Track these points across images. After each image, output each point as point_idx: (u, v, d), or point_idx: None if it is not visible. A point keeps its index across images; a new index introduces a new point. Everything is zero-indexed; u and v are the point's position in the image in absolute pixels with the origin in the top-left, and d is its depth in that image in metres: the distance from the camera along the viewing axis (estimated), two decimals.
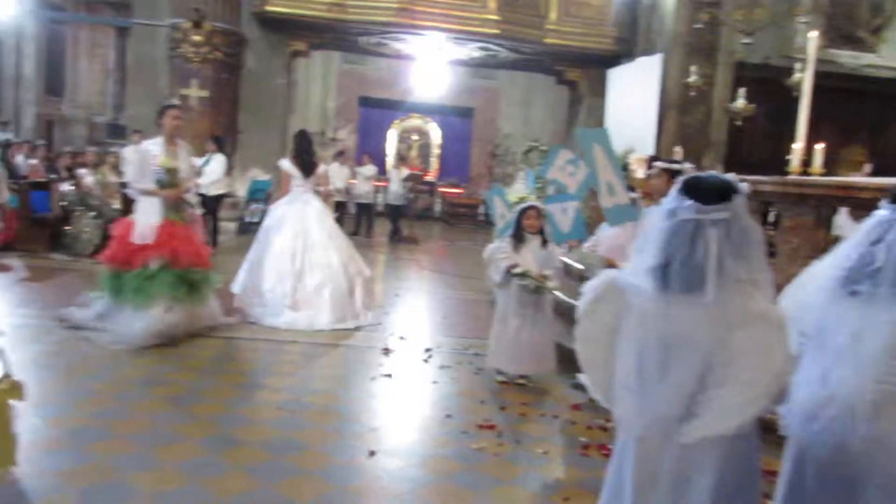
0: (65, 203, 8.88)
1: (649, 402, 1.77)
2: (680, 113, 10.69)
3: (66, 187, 9.19)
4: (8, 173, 9.25)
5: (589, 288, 1.92)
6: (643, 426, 1.79)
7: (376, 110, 21.14)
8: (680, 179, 1.85)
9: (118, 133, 19.67)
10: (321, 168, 6.57)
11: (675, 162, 4.69)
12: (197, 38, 12.27)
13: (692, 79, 10.07)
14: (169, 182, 5.27)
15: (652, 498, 1.79)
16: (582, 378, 1.99)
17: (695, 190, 1.77)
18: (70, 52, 20.51)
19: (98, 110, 21.34)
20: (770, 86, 10.48)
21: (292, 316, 5.86)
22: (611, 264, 4.53)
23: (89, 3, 20.32)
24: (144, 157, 5.32)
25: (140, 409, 3.76)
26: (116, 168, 10.35)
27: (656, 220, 1.84)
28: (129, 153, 10.57)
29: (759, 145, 11.76)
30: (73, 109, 20.68)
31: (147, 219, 5.14)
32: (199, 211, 5.95)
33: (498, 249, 4.78)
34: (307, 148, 6.44)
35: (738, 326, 1.72)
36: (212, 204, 9.52)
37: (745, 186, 1.78)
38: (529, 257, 4.72)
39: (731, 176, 1.83)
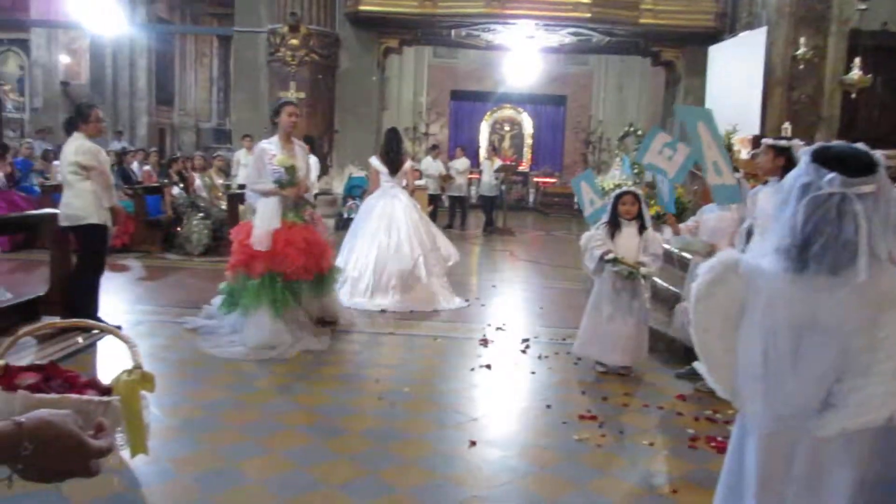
0: (176, 206, 9.39)
1: (780, 394, 1.61)
2: (787, 88, 10.08)
3: (176, 191, 9.71)
4: (123, 179, 9.89)
5: (705, 269, 1.75)
6: (773, 419, 1.63)
7: (467, 103, 21.20)
8: (807, 151, 1.67)
9: (223, 138, 20.69)
10: (407, 164, 6.90)
11: (783, 139, 4.41)
12: (294, 41, 12.66)
13: (800, 51, 9.46)
14: (288, 181, 5.04)
15: (781, 495, 1.64)
16: (698, 367, 1.80)
17: (835, 161, 1.59)
18: (178, 64, 21.70)
19: (204, 117, 22.50)
20: (889, 54, 9.71)
21: (376, 299, 6.24)
22: (714, 249, 4.33)
23: (194, 15, 21.42)
24: (261, 156, 5.12)
25: (247, 400, 3.91)
26: (222, 171, 10.87)
27: (784, 195, 1.67)
28: (242, 156, 11.07)
29: (876, 118, 10.92)
30: (183, 117, 21.89)
31: (265, 223, 4.91)
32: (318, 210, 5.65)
33: (593, 237, 4.67)
34: (395, 146, 6.81)
35: (886, 308, 1.55)
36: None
37: (881, 157, 1.62)
38: (625, 244, 4.58)
39: (861, 146, 1.65)
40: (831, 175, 1.56)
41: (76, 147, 4.95)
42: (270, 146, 5.15)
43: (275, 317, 4.81)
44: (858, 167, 1.57)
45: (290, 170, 5.06)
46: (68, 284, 5.21)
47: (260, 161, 5.11)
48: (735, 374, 1.71)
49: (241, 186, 11.17)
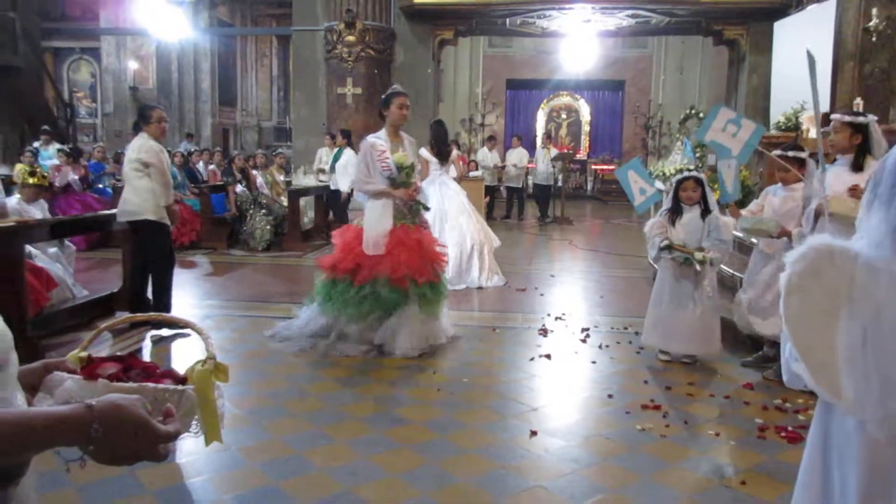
0: (239, 203, 9.63)
1: (889, 389, 1.46)
2: (859, 62, 9.62)
3: (239, 189, 9.97)
4: (190, 179, 10.21)
5: (797, 257, 1.58)
6: (882, 419, 1.47)
7: (523, 92, 21.02)
8: None
9: (284, 136, 21.12)
10: (454, 154, 7.60)
11: (855, 114, 4.20)
12: (350, 38, 12.80)
13: (873, 23, 9.02)
14: (402, 181, 4.63)
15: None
16: (797, 368, 1.61)
17: None
18: (239, 65, 22.24)
19: (265, 116, 23.00)
20: None
21: None
22: (784, 232, 4.17)
23: (254, 17, 21.90)
24: (370, 152, 4.64)
25: (311, 390, 3.99)
26: (282, 168, 11.11)
27: (894, 171, 1.54)
28: (325, 154, 11.22)
29: None
30: (245, 117, 22.44)
31: (377, 226, 4.51)
32: (425, 216, 5.12)
33: (655, 224, 4.58)
34: (442, 138, 7.37)
35: None
36: (343, 200, 9.46)
37: None
38: (687, 230, 4.47)
39: None
40: None
41: (139, 145, 5.14)
42: (379, 141, 4.69)
43: (366, 325, 4.60)
44: None
45: (405, 169, 4.63)
46: (133, 281, 5.36)
47: (369, 158, 4.64)
48: (839, 372, 1.53)
49: (290, 183, 11.43)
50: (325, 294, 4.70)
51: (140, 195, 5.10)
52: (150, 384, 1.03)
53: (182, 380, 1.10)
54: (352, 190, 9.40)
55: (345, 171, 9.30)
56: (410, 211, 4.72)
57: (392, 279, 4.50)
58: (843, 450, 1.58)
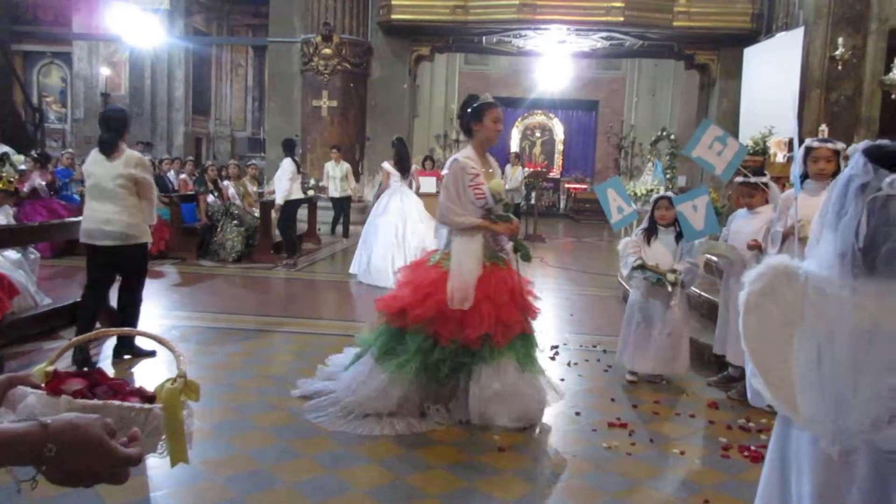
0: (210, 213, 9.53)
1: (843, 406, 1.52)
2: (825, 89, 9.90)
3: (211, 199, 9.86)
4: (160, 188, 10.06)
5: (754, 276, 1.64)
6: (836, 433, 1.53)
7: None
8: (858, 149, 1.59)
9: (257, 146, 21.01)
10: (413, 168, 8.45)
11: (830, 141, 4.31)
12: (327, 50, 12.83)
13: (839, 51, 9.30)
14: (499, 214, 3.76)
15: None
16: (755, 383, 1.67)
17: (891, 161, 1.52)
18: (214, 74, 22.11)
19: (239, 126, 22.87)
20: None
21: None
22: (737, 251, 4.25)
23: (230, 26, 21.83)
24: (460, 176, 3.69)
25: (278, 403, 3.94)
26: (255, 179, 11.03)
27: (838, 198, 1.56)
28: (331, 168, 10.96)
29: None
30: (219, 126, 22.28)
31: (467, 272, 3.61)
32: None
33: (629, 243, 4.64)
34: (404, 154, 8.21)
35: None
36: (287, 211, 8.88)
37: None
38: (661, 250, 4.53)
39: None
40: (894, 176, 1.49)
41: (126, 157, 4.47)
42: (471, 162, 3.74)
43: (419, 387, 3.70)
44: None
45: (503, 200, 3.78)
46: (124, 304, 4.77)
47: (459, 183, 3.70)
48: (795, 388, 1.58)
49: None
50: (386, 347, 3.74)
51: (135, 216, 4.50)
52: (115, 402, 1.00)
53: (151, 398, 1.07)
54: (286, 202, 8.81)
55: (279, 182, 8.82)
56: (500, 248, 3.84)
57: (469, 341, 3.61)
58: (801, 463, 1.62)
